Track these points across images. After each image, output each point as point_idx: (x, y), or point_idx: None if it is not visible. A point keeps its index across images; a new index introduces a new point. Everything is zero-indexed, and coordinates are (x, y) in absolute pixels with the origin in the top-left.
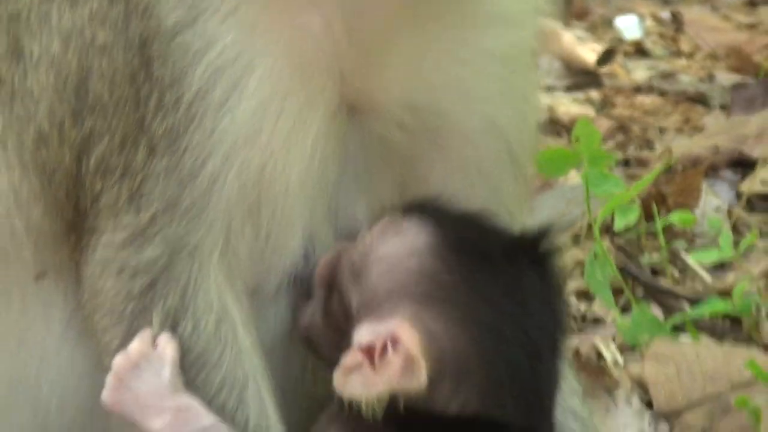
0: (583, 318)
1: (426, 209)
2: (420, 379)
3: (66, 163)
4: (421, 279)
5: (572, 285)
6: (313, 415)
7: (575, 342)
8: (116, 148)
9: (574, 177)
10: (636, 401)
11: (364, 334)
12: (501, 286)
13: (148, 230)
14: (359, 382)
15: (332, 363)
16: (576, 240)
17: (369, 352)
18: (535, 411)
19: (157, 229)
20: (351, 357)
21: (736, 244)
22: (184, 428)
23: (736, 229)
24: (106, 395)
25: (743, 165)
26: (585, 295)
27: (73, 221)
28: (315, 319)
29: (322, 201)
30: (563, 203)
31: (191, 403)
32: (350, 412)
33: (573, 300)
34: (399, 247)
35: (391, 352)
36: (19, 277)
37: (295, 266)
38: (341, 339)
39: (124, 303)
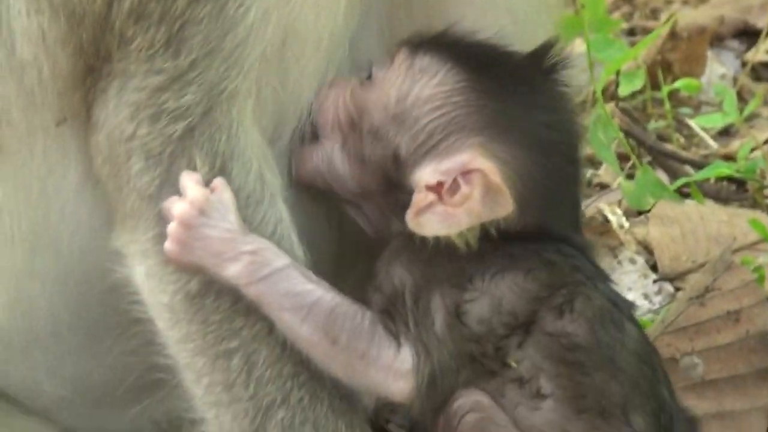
0: (589, 183)
1: (440, 42)
2: (507, 206)
3: (97, 6)
4: (471, 111)
5: None
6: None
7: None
8: None
9: (580, 46)
10: (641, 262)
11: (429, 173)
12: (537, 100)
13: (187, 75)
14: (437, 220)
15: (348, 203)
16: (582, 107)
17: (437, 189)
18: (571, 214)
19: (196, 74)
20: (421, 198)
21: (741, 111)
22: (261, 271)
23: (741, 97)
24: (171, 246)
25: (748, 35)
26: (591, 162)
27: (92, 65)
28: (333, 162)
29: (343, 55)
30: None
31: (265, 243)
32: (434, 247)
33: None
34: (437, 87)
35: (464, 186)
36: (43, 121)
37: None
38: (380, 180)
39: (162, 146)
